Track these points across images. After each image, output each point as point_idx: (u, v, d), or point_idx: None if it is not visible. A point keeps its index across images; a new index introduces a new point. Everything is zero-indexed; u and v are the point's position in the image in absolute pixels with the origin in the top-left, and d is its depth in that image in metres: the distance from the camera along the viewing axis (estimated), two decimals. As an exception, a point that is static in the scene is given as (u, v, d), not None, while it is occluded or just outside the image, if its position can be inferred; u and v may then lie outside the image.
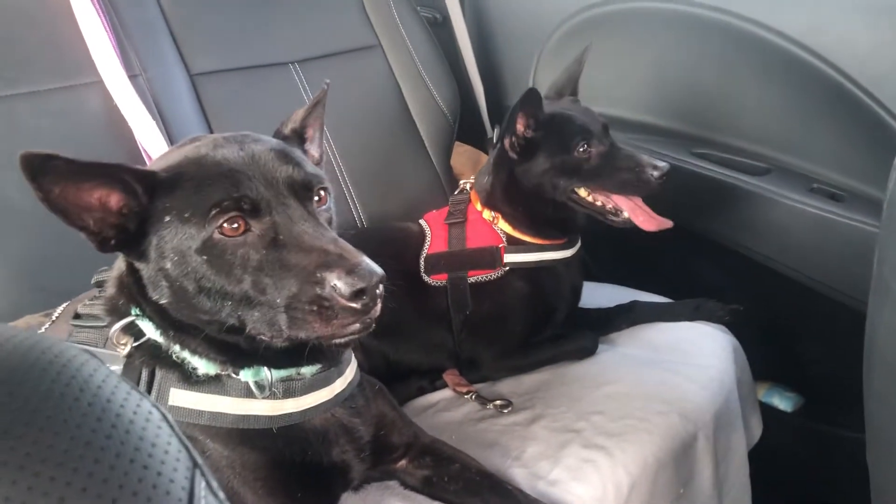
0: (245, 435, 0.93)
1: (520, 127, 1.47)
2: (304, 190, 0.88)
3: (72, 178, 0.80)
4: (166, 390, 0.91)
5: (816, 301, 1.51)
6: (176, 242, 0.83)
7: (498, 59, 2.08)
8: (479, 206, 1.57)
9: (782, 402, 1.73)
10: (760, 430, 1.56)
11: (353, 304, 0.79)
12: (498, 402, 1.38)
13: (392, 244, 1.57)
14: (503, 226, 1.53)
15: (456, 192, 1.66)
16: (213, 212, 0.81)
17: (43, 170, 0.78)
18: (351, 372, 1.04)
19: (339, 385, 1.00)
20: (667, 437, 1.26)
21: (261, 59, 1.77)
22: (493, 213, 1.55)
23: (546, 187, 1.49)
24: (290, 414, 0.95)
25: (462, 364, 1.52)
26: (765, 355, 1.63)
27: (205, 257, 0.82)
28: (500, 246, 1.52)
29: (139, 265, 0.88)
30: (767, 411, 1.66)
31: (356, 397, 1.06)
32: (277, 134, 1.01)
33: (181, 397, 0.91)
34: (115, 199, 0.83)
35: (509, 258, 1.51)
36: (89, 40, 1.48)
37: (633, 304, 1.62)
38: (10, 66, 1.46)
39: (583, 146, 1.47)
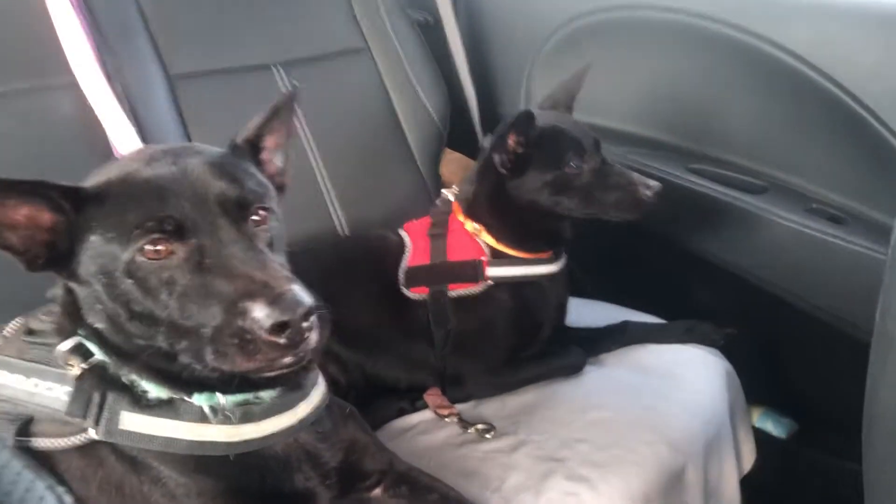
0: (201, 461, 0.88)
1: (511, 143, 1.42)
2: (237, 209, 0.82)
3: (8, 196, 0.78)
4: (116, 413, 0.86)
5: (813, 325, 1.46)
6: (101, 263, 0.79)
7: (491, 65, 2.03)
8: (461, 217, 1.51)
9: (776, 427, 1.68)
10: (753, 458, 1.51)
11: (275, 339, 0.73)
12: (480, 427, 1.32)
13: (371, 254, 1.53)
14: (486, 238, 1.48)
15: (437, 202, 1.60)
16: (135, 232, 0.76)
17: None
18: (317, 395, 0.98)
19: (302, 410, 0.95)
20: (654, 469, 1.21)
21: (242, 60, 1.71)
22: (475, 225, 1.49)
23: (542, 203, 1.44)
24: (249, 441, 0.89)
25: (446, 380, 1.47)
26: (759, 379, 1.58)
27: (130, 280, 0.78)
28: (483, 259, 1.46)
29: (73, 286, 0.84)
30: (760, 436, 1.60)
31: (323, 421, 1.00)
32: (231, 144, 0.94)
33: (133, 422, 0.86)
34: (44, 217, 0.80)
35: (492, 272, 1.45)
36: (64, 39, 1.41)
37: (625, 325, 1.57)
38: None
39: (574, 161, 1.41)
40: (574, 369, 1.47)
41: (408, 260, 1.49)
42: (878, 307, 0.81)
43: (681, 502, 1.25)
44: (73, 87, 1.44)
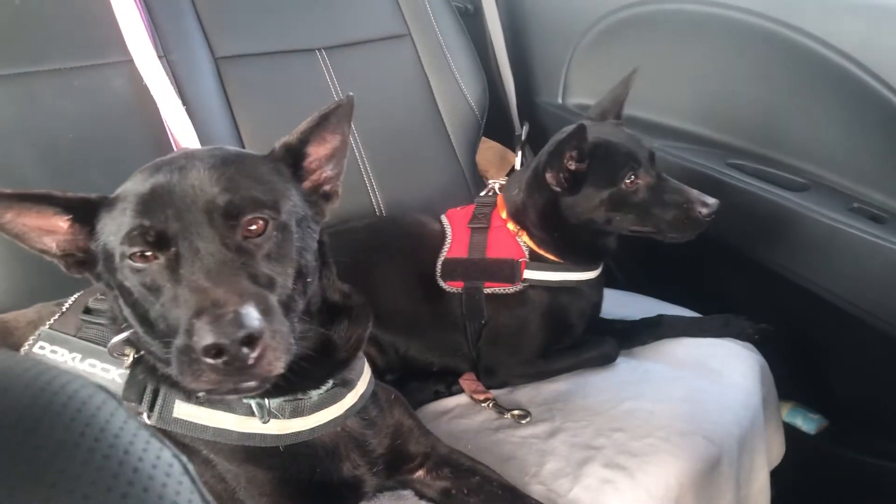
0: (251, 452, 0.91)
1: (567, 162, 1.39)
2: (224, 217, 0.79)
3: (16, 205, 0.82)
4: (171, 402, 0.89)
5: (849, 323, 1.46)
6: (108, 267, 0.83)
7: (530, 55, 2.03)
8: (504, 215, 1.51)
9: (805, 423, 1.68)
10: (783, 452, 1.52)
11: (209, 361, 0.70)
12: (516, 412, 1.34)
13: (409, 239, 1.54)
14: (527, 240, 1.48)
15: (482, 194, 1.59)
16: (124, 239, 0.79)
17: None
18: (363, 384, 1.01)
19: (349, 400, 0.97)
20: (690, 459, 1.22)
21: (286, 44, 1.73)
22: (518, 227, 1.48)
23: (596, 221, 1.42)
24: (299, 432, 0.92)
25: (479, 370, 1.48)
26: (790, 374, 1.59)
27: (128, 285, 0.80)
28: (522, 260, 1.46)
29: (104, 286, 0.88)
30: (789, 431, 1.61)
31: (369, 408, 1.02)
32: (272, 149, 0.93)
33: (186, 411, 0.89)
34: (61, 224, 0.85)
35: (529, 274, 1.45)
36: (121, 19, 1.44)
37: (660, 318, 1.57)
38: (34, 42, 1.43)
39: (630, 177, 1.39)
40: (607, 359, 1.48)
41: (447, 251, 1.48)
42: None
43: (714, 493, 1.26)
44: (127, 64, 1.48)
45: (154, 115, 1.47)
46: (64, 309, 1.01)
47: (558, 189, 1.42)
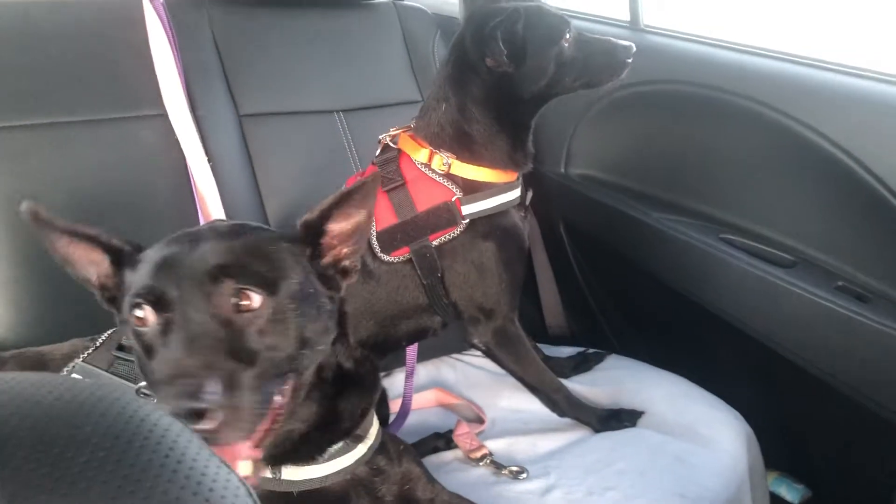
0: (263, 497, 0.93)
1: (500, 39, 1.38)
2: (215, 288, 0.82)
3: (66, 234, 0.90)
4: None
5: (835, 398, 1.52)
6: (123, 319, 0.88)
7: (537, 128, 2.12)
8: (420, 158, 1.45)
9: (790, 492, 1.72)
10: (768, 521, 1.56)
11: None
12: (514, 468, 1.38)
13: None
14: (458, 169, 1.44)
15: (377, 154, 1.52)
16: (131, 298, 0.84)
17: (39, 222, 0.89)
18: (371, 437, 1.06)
19: (360, 450, 1.03)
20: (679, 522, 1.26)
21: (307, 105, 1.83)
22: (446, 157, 1.44)
23: (544, 86, 1.44)
24: (311, 479, 0.97)
25: (468, 325, 1.50)
26: (777, 444, 1.64)
27: (133, 338, 0.86)
28: (455, 199, 1.43)
29: None
30: (774, 500, 1.66)
31: (377, 458, 1.07)
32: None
33: None
34: (105, 264, 0.92)
35: (467, 209, 1.42)
36: (161, 76, 1.53)
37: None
38: (70, 94, 1.52)
39: (567, 34, 1.44)
40: (592, 425, 1.54)
41: (375, 225, 1.42)
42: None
43: (701, 556, 1.30)
44: (156, 118, 1.57)
45: (179, 166, 1.56)
46: (97, 344, 1.07)
47: (502, 69, 1.41)
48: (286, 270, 0.89)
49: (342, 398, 0.99)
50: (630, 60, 1.49)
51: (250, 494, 0.46)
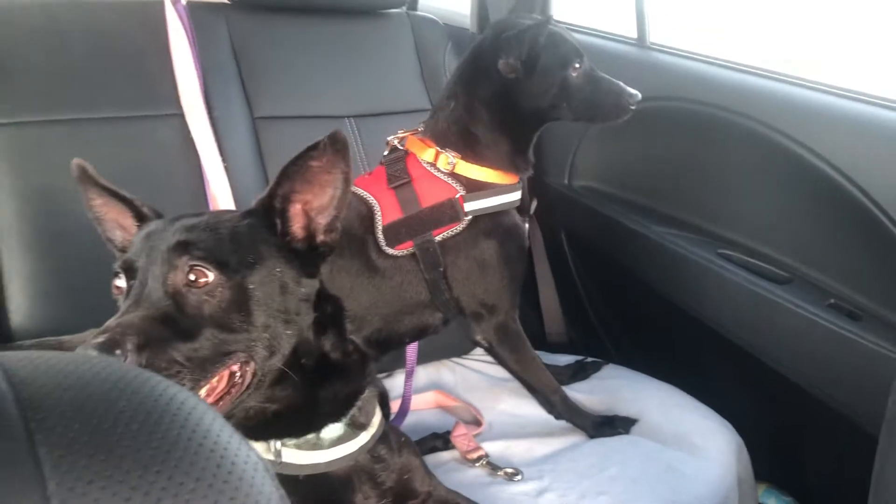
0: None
1: (523, 49, 1.46)
2: (169, 261, 0.86)
3: (106, 195, 1.00)
4: None
5: (824, 412, 1.55)
6: None
7: (543, 140, 2.15)
8: (426, 157, 1.51)
9: (778, 504, 1.76)
10: (755, 531, 1.60)
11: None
12: (509, 470, 1.42)
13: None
14: (462, 169, 1.49)
15: (386, 154, 1.58)
16: (112, 268, 0.92)
17: (84, 178, 1.00)
18: (374, 426, 1.10)
19: (363, 438, 1.06)
20: (668, 527, 1.30)
21: (319, 110, 1.87)
22: (451, 156, 1.50)
23: (545, 107, 1.52)
24: (316, 464, 1.01)
25: (471, 320, 1.55)
26: (766, 455, 1.67)
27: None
28: (458, 196, 1.48)
29: None
30: (763, 512, 1.70)
31: (379, 447, 1.11)
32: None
33: None
34: (134, 227, 1.00)
35: (470, 206, 1.48)
36: (179, 76, 1.58)
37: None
38: (92, 90, 1.57)
39: (577, 64, 1.51)
40: (586, 429, 1.59)
41: (381, 219, 1.47)
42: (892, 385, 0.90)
43: (689, 562, 1.34)
44: (173, 118, 1.62)
45: (193, 165, 1.61)
46: None
47: (512, 75, 1.48)
48: (246, 250, 0.90)
49: (323, 386, 1.00)
50: (633, 108, 1.54)
51: (268, 470, 0.50)
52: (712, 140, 1.78)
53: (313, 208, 0.95)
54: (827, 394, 1.53)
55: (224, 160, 1.62)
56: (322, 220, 0.95)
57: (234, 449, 0.49)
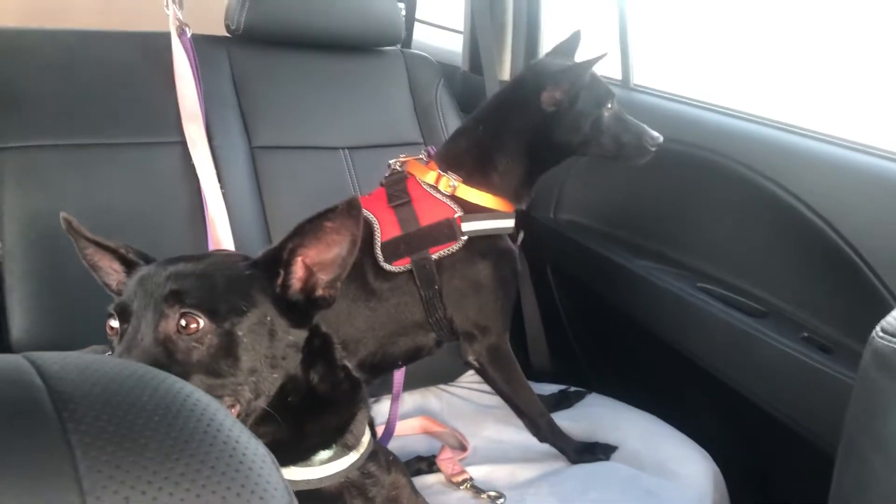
0: None
1: (566, 86, 1.55)
2: (161, 308, 0.89)
3: (91, 244, 1.04)
4: None
5: (797, 442, 1.60)
6: None
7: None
8: (427, 179, 1.57)
9: (754, 532, 1.80)
10: (732, 558, 1.64)
11: None
12: (492, 493, 1.46)
13: None
14: (463, 192, 1.55)
15: (387, 175, 1.63)
16: (107, 310, 0.95)
17: (71, 231, 1.04)
18: (364, 445, 1.14)
19: (353, 456, 1.10)
20: (645, 550, 1.34)
21: (315, 141, 1.94)
22: (453, 181, 1.55)
23: (576, 142, 1.60)
24: (309, 480, 1.04)
25: (463, 340, 1.59)
26: (742, 484, 1.72)
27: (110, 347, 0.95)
28: (456, 216, 1.53)
29: None
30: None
31: (369, 465, 1.15)
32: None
33: None
34: (122, 272, 1.04)
35: (467, 227, 1.53)
36: (183, 105, 1.64)
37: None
38: (99, 117, 1.63)
39: (609, 104, 1.61)
40: (568, 455, 1.63)
41: (380, 236, 1.52)
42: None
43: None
44: (174, 145, 1.67)
45: (193, 192, 1.66)
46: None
47: (552, 108, 1.57)
48: (238, 297, 0.92)
49: (311, 420, 1.03)
50: (654, 149, 1.63)
51: (274, 463, 0.55)
52: (693, 178, 1.86)
53: (316, 263, 0.97)
54: (800, 424, 1.58)
55: (222, 186, 1.67)
56: (324, 276, 0.98)
57: (245, 442, 0.54)
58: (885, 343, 0.77)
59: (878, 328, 0.80)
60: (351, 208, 0.93)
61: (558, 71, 1.57)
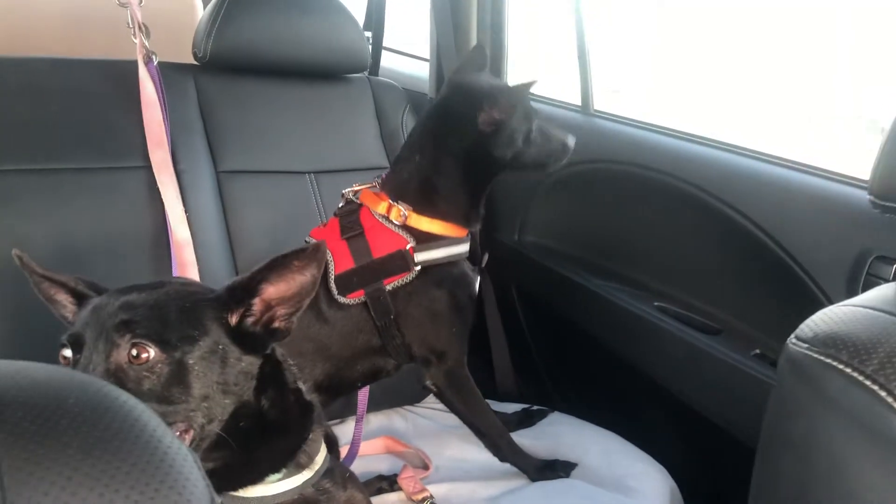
0: None
1: (500, 106, 1.54)
2: (113, 338, 0.90)
3: (46, 281, 1.05)
4: None
5: (751, 458, 1.62)
6: None
7: (495, 200, 2.27)
8: (379, 210, 1.56)
9: (713, 547, 1.82)
10: (687, 574, 1.66)
11: None
12: (451, 511, 1.48)
13: None
14: (414, 221, 1.55)
15: (341, 206, 1.64)
16: (60, 340, 0.96)
17: (24, 266, 1.04)
18: (318, 462, 1.16)
19: (306, 474, 1.12)
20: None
21: (281, 165, 1.97)
22: (403, 211, 1.55)
23: (510, 157, 1.60)
24: (263, 498, 1.05)
25: (422, 366, 1.61)
26: (698, 500, 1.75)
27: None
28: (409, 247, 1.53)
29: None
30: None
31: (323, 481, 1.17)
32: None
33: None
34: (74, 305, 1.04)
35: (420, 257, 1.53)
36: (149, 131, 1.68)
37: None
38: (66, 142, 1.66)
39: (535, 119, 1.64)
40: (527, 470, 1.65)
41: (334, 268, 1.52)
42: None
43: None
44: (140, 170, 1.70)
45: (158, 216, 1.69)
46: None
47: (490, 128, 1.55)
48: (189, 329, 0.94)
49: (261, 445, 1.04)
50: (571, 149, 1.69)
51: (196, 461, 0.58)
52: (650, 200, 1.91)
53: (275, 298, 1.00)
54: (753, 439, 1.60)
55: (186, 210, 1.70)
56: (282, 310, 1.00)
57: (168, 441, 0.56)
58: (798, 349, 0.81)
59: (793, 336, 0.84)
60: (317, 252, 0.97)
61: (496, 91, 1.57)
